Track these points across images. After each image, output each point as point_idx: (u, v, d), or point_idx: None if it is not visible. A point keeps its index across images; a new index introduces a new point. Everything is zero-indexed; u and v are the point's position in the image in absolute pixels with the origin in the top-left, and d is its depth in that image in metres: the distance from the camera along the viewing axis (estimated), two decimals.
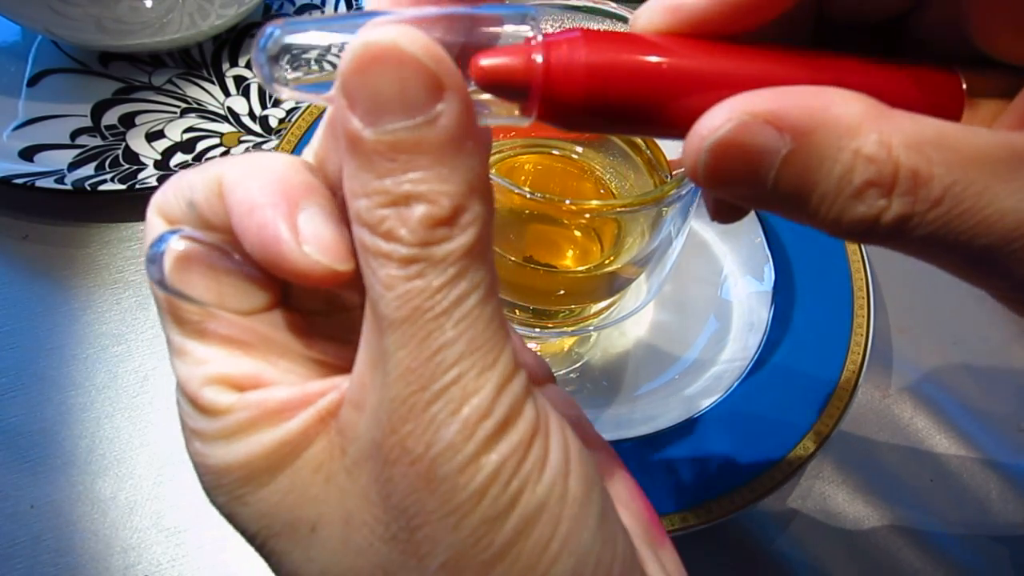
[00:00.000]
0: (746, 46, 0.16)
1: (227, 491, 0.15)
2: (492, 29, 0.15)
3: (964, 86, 0.16)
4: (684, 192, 0.27)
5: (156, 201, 0.16)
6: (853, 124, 0.14)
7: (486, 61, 0.15)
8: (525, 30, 0.15)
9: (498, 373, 0.13)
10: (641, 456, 0.34)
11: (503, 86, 0.15)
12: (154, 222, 0.16)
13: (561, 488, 0.14)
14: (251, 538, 0.15)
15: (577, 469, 0.14)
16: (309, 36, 0.13)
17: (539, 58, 0.15)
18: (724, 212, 0.20)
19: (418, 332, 0.13)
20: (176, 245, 0.15)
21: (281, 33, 0.13)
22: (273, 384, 0.15)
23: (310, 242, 0.14)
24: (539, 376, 0.20)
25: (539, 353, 0.39)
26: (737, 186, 0.14)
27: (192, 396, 0.15)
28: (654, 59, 0.15)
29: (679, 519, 0.32)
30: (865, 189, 0.13)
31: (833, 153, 0.14)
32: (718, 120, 0.14)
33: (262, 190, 0.14)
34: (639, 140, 0.34)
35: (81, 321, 0.39)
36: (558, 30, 0.15)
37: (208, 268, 0.15)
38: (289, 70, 0.14)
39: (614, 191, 0.34)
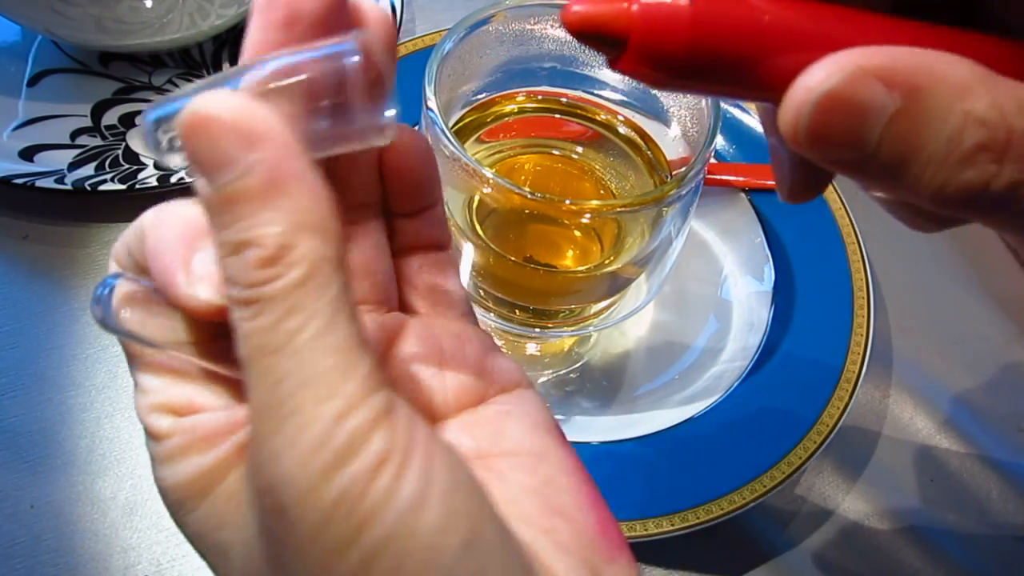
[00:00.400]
0: (841, 7, 0.15)
1: (173, 510, 0.16)
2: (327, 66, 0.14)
3: None
4: (684, 192, 0.27)
5: (113, 249, 0.17)
6: (964, 85, 0.13)
7: (579, 7, 0.15)
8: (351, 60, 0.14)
9: (338, 402, 0.13)
10: (641, 456, 0.34)
11: (597, 35, 0.15)
12: (111, 267, 0.17)
13: (412, 521, 0.13)
14: (197, 551, 0.17)
15: (438, 501, 0.14)
16: (176, 107, 0.14)
17: (636, 6, 0.14)
18: (801, 188, 0.19)
19: (260, 369, 0.13)
20: (119, 287, 0.16)
21: (154, 109, 0.15)
22: (207, 409, 0.16)
23: (201, 280, 0.15)
24: (506, 383, 0.20)
25: (539, 353, 0.39)
26: (838, 147, 0.14)
27: (143, 422, 0.17)
28: (759, 11, 0.14)
29: (679, 519, 0.32)
30: (975, 153, 0.13)
31: (943, 114, 0.13)
32: (825, 72, 0.13)
33: (167, 235, 0.16)
34: (639, 140, 0.34)
35: (81, 321, 0.39)
36: None
37: (147, 307, 0.16)
38: (171, 140, 0.15)
39: (614, 191, 0.34)
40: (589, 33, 0.15)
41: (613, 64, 0.15)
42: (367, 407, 0.13)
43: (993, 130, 0.13)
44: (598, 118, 0.34)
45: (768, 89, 0.15)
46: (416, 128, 0.20)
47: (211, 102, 0.13)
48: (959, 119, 0.13)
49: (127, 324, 0.16)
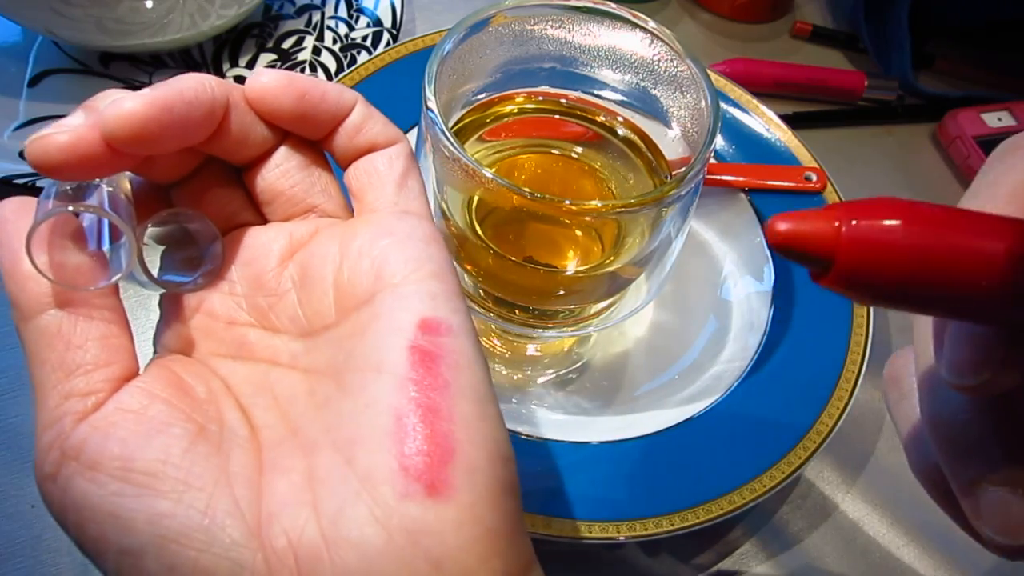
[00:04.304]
0: None
1: None
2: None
3: None
4: (684, 192, 0.27)
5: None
6: None
7: (785, 225, 0.15)
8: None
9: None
10: (641, 456, 0.34)
11: (801, 254, 0.15)
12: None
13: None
14: None
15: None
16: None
17: (845, 228, 0.14)
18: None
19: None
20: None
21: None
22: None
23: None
24: (389, 276, 0.21)
25: (539, 353, 0.39)
26: None
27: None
28: (980, 231, 0.14)
29: (679, 519, 0.32)
30: None
31: None
32: None
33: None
34: (639, 141, 0.34)
35: None
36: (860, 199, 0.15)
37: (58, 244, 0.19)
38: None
39: (614, 191, 0.34)
40: (794, 251, 0.15)
41: (815, 278, 0.15)
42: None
43: None
44: (598, 119, 0.34)
45: (984, 316, 0.14)
46: (268, 72, 0.21)
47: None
48: None
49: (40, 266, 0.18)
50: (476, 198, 0.32)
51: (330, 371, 0.20)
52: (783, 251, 0.15)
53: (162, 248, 0.24)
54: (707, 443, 0.34)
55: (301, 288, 0.21)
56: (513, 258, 0.31)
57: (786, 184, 0.42)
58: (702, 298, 0.41)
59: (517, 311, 0.33)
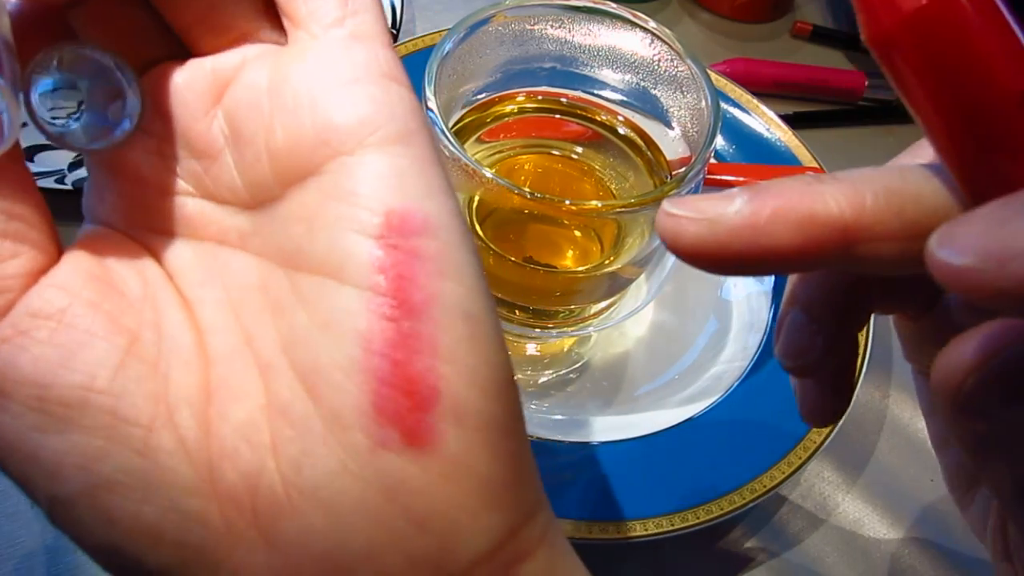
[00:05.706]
0: None
1: None
2: None
3: None
4: (684, 192, 0.27)
5: None
6: None
7: None
8: None
9: None
10: (641, 456, 0.34)
11: None
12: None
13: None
14: None
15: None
16: None
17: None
18: (825, 412, 0.21)
19: None
20: None
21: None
22: None
23: None
24: (347, 138, 0.16)
25: (539, 353, 0.39)
26: None
27: None
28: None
29: (679, 519, 0.32)
30: None
31: None
32: None
33: None
34: (639, 141, 0.34)
35: None
36: None
37: None
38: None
39: (614, 191, 0.34)
40: None
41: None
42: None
43: None
44: (598, 118, 0.34)
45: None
46: None
47: None
48: None
49: None
50: (476, 198, 0.32)
51: (280, 260, 0.16)
52: None
53: (59, 91, 0.19)
54: (707, 443, 0.34)
55: (234, 147, 0.17)
56: (513, 258, 0.31)
57: None
58: (702, 298, 0.41)
59: (517, 311, 0.33)
